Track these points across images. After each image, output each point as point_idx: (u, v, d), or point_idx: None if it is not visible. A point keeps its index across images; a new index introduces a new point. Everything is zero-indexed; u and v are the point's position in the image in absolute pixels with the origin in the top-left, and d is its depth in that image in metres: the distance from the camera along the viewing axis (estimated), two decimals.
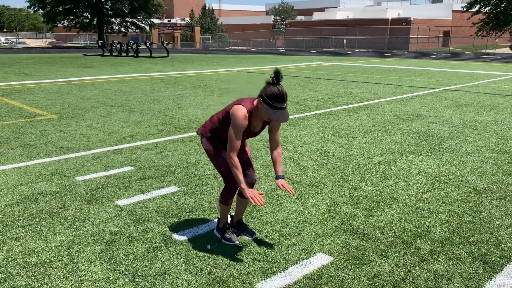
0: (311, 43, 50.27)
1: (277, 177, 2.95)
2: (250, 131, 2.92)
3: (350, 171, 4.78)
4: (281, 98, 2.67)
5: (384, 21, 47.45)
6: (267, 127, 3.01)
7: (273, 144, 2.99)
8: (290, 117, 7.81)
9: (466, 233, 3.33)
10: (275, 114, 2.69)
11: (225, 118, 2.91)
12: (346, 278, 2.72)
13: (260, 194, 2.77)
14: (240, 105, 2.78)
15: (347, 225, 3.44)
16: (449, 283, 2.68)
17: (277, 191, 4.13)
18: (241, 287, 2.61)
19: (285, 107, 2.71)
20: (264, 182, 4.40)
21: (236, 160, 2.80)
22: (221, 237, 3.18)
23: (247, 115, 2.78)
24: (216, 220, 3.50)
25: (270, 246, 3.11)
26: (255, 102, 2.80)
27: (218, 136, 3.00)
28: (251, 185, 3.10)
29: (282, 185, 2.90)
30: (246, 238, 3.21)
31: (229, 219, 3.32)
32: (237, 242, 3.10)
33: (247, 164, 3.08)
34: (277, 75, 2.67)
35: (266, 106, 2.69)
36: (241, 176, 2.80)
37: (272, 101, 2.67)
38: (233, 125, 2.77)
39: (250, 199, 2.72)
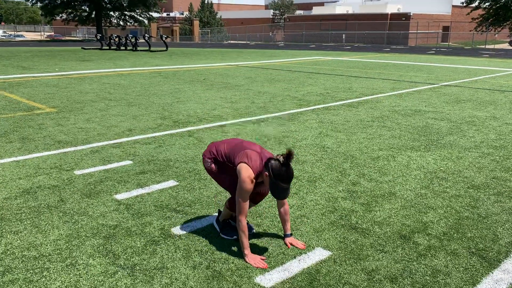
0: (310, 37, 50.15)
1: (285, 236, 3.04)
2: (256, 192, 2.95)
3: (348, 166, 4.79)
4: (287, 180, 2.71)
5: (383, 16, 47.32)
6: None
7: (279, 201, 3.00)
8: (289, 112, 7.81)
9: (464, 228, 3.34)
10: (276, 192, 2.73)
11: (229, 160, 2.92)
12: (344, 272, 2.73)
13: (262, 259, 2.83)
14: (248, 167, 2.77)
15: (345, 220, 3.45)
16: (446, 278, 2.69)
17: None
18: (239, 281, 2.62)
19: (289, 187, 2.74)
20: None
21: (244, 224, 2.81)
22: (219, 231, 3.19)
23: (254, 179, 2.78)
24: (216, 213, 3.51)
25: (269, 240, 3.12)
26: (262, 163, 2.80)
27: (220, 167, 3.01)
28: (262, 195, 3.08)
29: (291, 243, 3.00)
30: None
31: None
32: (235, 237, 3.10)
33: None
34: (289, 156, 2.68)
35: (270, 182, 2.72)
36: (246, 242, 2.83)
37: (278, 180, 2.70)
38: (239, 187, 2.77)
39: (254, 265, 2.77)
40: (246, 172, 2.74)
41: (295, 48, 34.93)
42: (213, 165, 3.02)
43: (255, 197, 3.05)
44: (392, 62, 20.15)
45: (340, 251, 2.98)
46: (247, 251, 2.83)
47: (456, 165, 4.86)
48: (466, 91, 10.62)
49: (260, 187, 3.01)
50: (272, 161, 2.73)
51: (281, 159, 2.70)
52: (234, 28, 61.30)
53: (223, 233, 3.16)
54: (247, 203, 2.80)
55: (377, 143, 5.75)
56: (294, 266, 2.79)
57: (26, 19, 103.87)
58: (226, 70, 15.74)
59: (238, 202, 2.79)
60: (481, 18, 39.34)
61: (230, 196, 3.10)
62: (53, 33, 69.66)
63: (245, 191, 2.76)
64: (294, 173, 4.46)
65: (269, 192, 2.93)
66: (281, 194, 2.75)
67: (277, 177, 2.69)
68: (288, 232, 3.06)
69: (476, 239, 3.17)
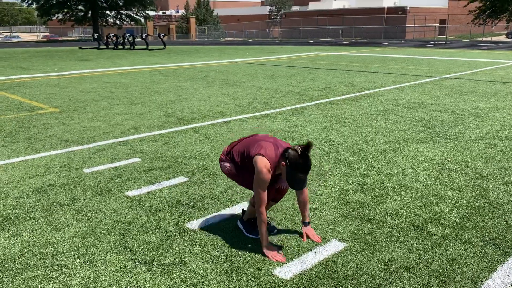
0: (308, 33, 50.11)
1: (304, 223, 3.03)
2: (275, 187, 2.92)
3: (356, 159, 4.80)
4: (305, 170, 2.71)
5: (380, 10, 47.32)
6: None
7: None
8: (292, 107, 7.82)
9: (476, 218, 3.36)
10: (292, 182, 2.72)
11: (246, 158, 2.89)
12: (361, 263, 2.74)
13: (280, 252, 2.82)
14: (263, 157, 2.76)
15: (358, 212, 3.46)
16: (462, 266, 2.71)
17: None
18: (258, 274, 2.63)
19: (306, 178, 2.75)
20: None
21: (264, 215, 2.80)
22: (244, 230, 3.14)
23: (270, 168, 2.77)
24: (228, 208, 3.52)
25: (284, 233, 3.13)
26: (278, 152, 2.80)
27: (238, 168, 2.99)
28: (281, 192, 3.04)
29: (307, 235, 2.98)
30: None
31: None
32: (259, 237, 3.09)
33: None
34: (308, 148, 2.66)
35: (287, 172, 2.71)
36: (265, 233, 2.82)
37: (295, 170, 2.69)
38: (257, 178, 2.76)
39: (271, 258, 2.76)
40: (262, 162, 2.74)
41: (293, 44, 34.89)
42: (228, 165, 3.00)
43: (276, 196, 3.03)
44: (391, 56, 20.15)
45: (355, 243, 2.99)
46: (265, 242, 2.83)
47: (464, 156, 4.88)
48: (467, 83, 10.64)
49: (279, 182, 2.99)
50: (290, 151, 2.72)
51: (299, 149, 2.69)
52: (231, 25, 61.20)
53: (247, 232, 3.12)
54: (265, 193, 2.78)
55: (383, 136, 5.77)
56: (311, 258, 2.81)
57: (21, 20, 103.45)
58: (225, 67, 15.73)
59: (256, 193, 2.78)
60: (478, 11, 39.35)
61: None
62: (49, 33, 69.35)
63: (262, 181, 2.75)
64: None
65: (288, 186, 2.92)
66: (297, 184, 2.75)
67: (294, 167, 2.69)
68: (307, 220, 3.03)
69: (489, 228, 3.19)
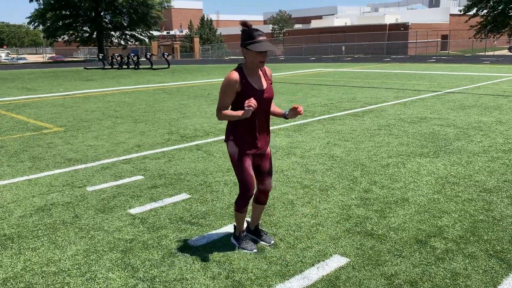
0: (310, 50, 50.50)
1: (284, 115, 3.15)
2: (256, 89, 2.87)
3: (359, 174, 4.80)
4: (258, 32, 2.78)
5: (382, 27, 47.67)
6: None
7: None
8: (294, 123, 7.85)
9: (480, 231, 3.34)
10: (260, 46, 2.75)
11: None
12: (364, 278, 2.72)
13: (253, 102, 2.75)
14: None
15: (361, 227, 3.45)
16: (466, 280, 2.68)
17: (288, 196, 4.15)
18: None
19: (263, 39, 2.79)
20: (275, 187, 4.41)
21: (224, 112, 2.85)
22: (238, 246, 3.16)
23: (236, 73, 2.82)
24: (233, 227, 3.51)
25: (286, 249, 3.12)
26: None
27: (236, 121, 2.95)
28: (265, 192, 3.12)
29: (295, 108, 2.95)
30: (263, 243, 3.21)
31: (245, 225, 3.30)
32: (254, 250, 3.09)
33: (266, 172, 3.08)
34: (245, 24, 2.79)
35: (250, 47, 2.75)
36: (233, 112, 2.84)
37: (253, 39, 2.76)
38: (221, 88, 2.85)
39: (248, 106, 2.69)
40: (228, 73, 2.85)
41: (296, 61, 35.15)
42: (235, 148, 2.97)
43: (260, 196, 3.13)
44: (393, 71, 20.24)
45: (358, 258, 2.98)
46: (239, 112, 2.82)
47: (467, 170, 4.86)
48: (470, 97, 10.65)
49: (262, 170, 3.04)
50: (241, 42, 2.83)
51: (242, 29, 2.80)
52: (234, 44, 61.77)
53: (241, 247, 3.12)
54: (227, 101, 2.86)
55: (386, 150, 5.76)
56: (313, 274, 2.79)
57: (27, 42, 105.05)
58: None
59: (218, 101, 2.87)
60: (479, 26, 39.55)
61: (237, 199, 3.07)
62: (54, 54, 70.26)
63: (224, 86, 2.82)
64: (306, 182, 4.48)
65: (271, 185, 3.09)
66: (267, 45, 2.75)
67: (250, 37, 2.75)
68: (283, 112, 3.14)
69: (493, 242, 3.17)
